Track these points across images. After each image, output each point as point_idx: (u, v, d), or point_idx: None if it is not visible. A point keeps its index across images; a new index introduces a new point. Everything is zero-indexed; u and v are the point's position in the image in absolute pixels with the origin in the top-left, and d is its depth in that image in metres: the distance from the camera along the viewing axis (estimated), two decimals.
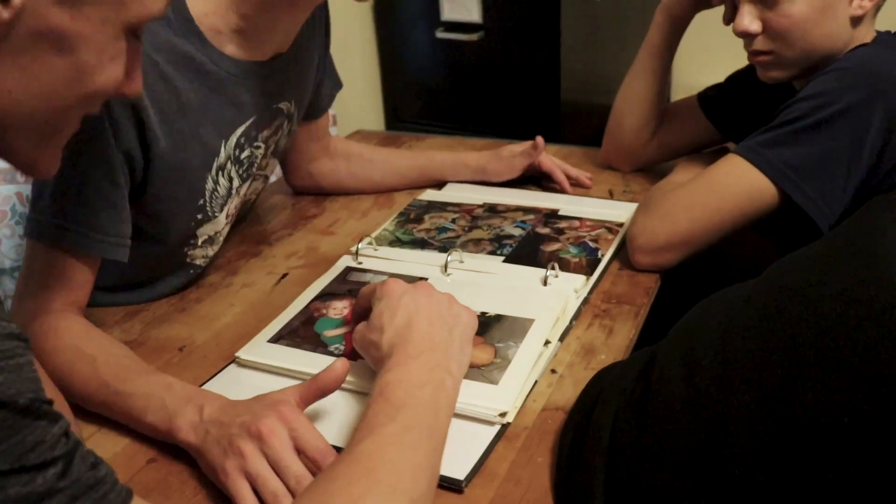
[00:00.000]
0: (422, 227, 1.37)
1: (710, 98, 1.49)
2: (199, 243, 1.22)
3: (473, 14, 2.06)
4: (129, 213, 1.07)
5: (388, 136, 1.86)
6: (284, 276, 1.28)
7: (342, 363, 0.87)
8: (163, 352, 1.10)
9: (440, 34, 2.10)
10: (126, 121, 1.01)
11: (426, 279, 1.18)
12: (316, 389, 0.87)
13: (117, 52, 0.71)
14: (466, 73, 2.15)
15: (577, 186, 1.52)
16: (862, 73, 1.15)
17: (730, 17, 1.27)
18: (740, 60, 1.33)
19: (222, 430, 0.83)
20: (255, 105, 1.18)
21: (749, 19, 1.22)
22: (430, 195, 1.50)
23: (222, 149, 1.16)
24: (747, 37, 1.24)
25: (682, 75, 2.61)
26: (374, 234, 1.34)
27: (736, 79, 1.47)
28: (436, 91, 2.22)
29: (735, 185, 1.19)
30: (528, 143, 1.50)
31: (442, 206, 1.44)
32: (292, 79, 1.24)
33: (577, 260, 1.24)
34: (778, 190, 1.16)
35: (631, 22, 2.27)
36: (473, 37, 2.08)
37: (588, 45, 2.16)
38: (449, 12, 2.08)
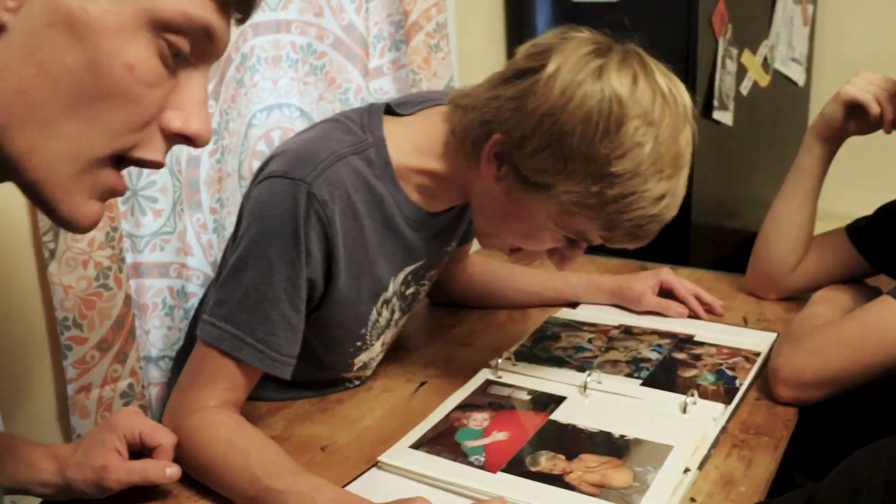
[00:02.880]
0: (559, 346, 1.39)
1: (860, 230, 1.49)
2: (355, 368, 1.27)
3: None
4: (301, 336, 1.12)
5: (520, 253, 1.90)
6: (423, 384, 1.31)
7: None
8: (305, 450, 1.14)
9: None
10: (318, 252, 1.08)
11: (565, 398, 1.20)
12: None
13: (137, 43, 0.62)
14: None
15: (710, 313, 1.52)
16: None
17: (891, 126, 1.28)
18: (882, 185, 1.32)
19: None
20: (427, 250, 1.24)
21: None
22: (566, 314, 1.52)
23: (391, 284, 1.21)
24: None
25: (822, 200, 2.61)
26: (512, 350, 1.37)
27: (888, 210, 1.46)
28: None
29: (892, 329, 1.17)
30: (655, 279, 1.53)
31: (578, 326, 1.46)
32: (461, 225, 1.31)
33: (714, 388, 1.24)
34: None
35: (762, 147, 2.29)
36: None
37: (719, 169, 2.18)
38: None
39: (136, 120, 0.64)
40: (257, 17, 1.57)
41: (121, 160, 0.67)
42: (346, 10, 1.66)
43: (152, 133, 0.67)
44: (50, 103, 0.60)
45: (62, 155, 0.62)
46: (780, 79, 2.37)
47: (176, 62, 0.66)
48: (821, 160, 1.47)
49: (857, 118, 1.42)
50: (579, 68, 1.00)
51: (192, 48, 0.66)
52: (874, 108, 1.38)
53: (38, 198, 0.64)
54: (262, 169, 1.14)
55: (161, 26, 0.63)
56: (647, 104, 0.99)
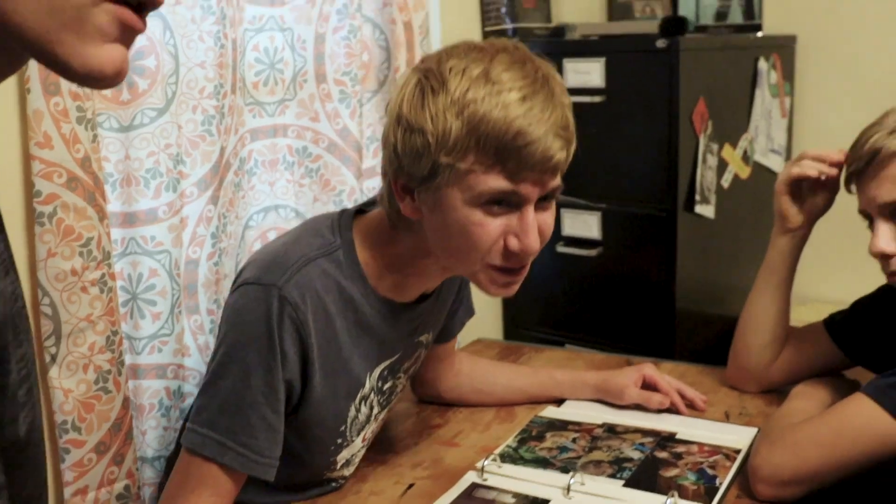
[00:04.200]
0: (543, 446, 1.43)
1: (837, 323, 1.53)
2: (338, 466, 1.31)
3: (593, 231, 2.18)
4: (282, 436, 1.16)
5: (508, 347, 1.95)
6: (411, 486, 1.34)
7: None
8: None
9: (560, 248, 2.22)
10: (293, 354, 1.13)
11: (549, 501, 1.24)
12: None
13: None
14: (584, 286, 2.24)
15: (693, 408, 1.56)
16: None
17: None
18: (860, 268, 1.36)
19: None
20: (400, 341, 1.28)
21: (885, 240, 1.28)
22: (550, 412, 1.56)
23: (367, 381, 1.26)
24: (884, 258, 1.30)
25: (800, 287, 2.67)
26: (497, 451, 1.40)
27: (863, 304, 1.51)
28: (554, 302, 2.31)
29: (865, 427, 1.20)
30: (638, 374, 1.57)
31: (563, 425, 1.50)
32: (434, 314, 1.36)
33: (695, 487, 1.27)
34: None
35: (744, 236, 2.35)
36: (592, 252, 2.19)
37: (702, 260, 2.24)
38: (569, 228, 2.21)
39: None
40: (255, 122, 1.65)
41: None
42: (342, 116, 1.74)
43: None
44: None
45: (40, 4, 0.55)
46: (761, 170, 2.45)
47: None
48: (786, 255, 1.53)
49: (807, 200, 1.48)
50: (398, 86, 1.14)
51: None
52: (811, 172, 1.44)
53: (48, 61, 0.57)
54: (237, 277, 1.20)
55: None
56: (456, 56, 1.08)
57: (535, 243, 1.10)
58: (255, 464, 1.13)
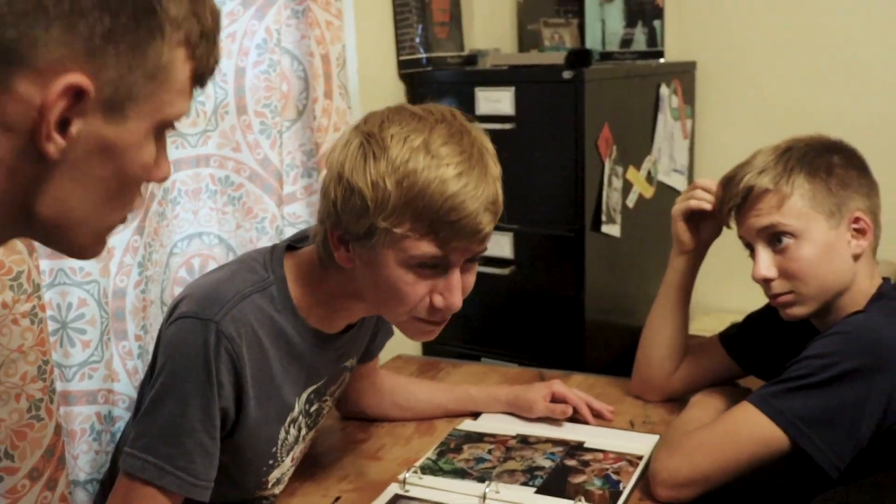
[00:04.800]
0: (461, 457, 1.52)
1: (731, 337, 1.66)
2: (269, 486, 1.38)
3: (506, 250, 2.29)
4: (217, 460, 1.23)
5: (427, 362, 2.04)
6: (337, 499, 1.42)
7: None
8: None
9: None
10: (228, 384, 1.20)
11: None
12: None
13: (150, 146, 0.81)
14: (498, 302, 2.35)
15: (600, 418, 1.66)
16: (861, 340, 1.32)
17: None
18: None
19: None
20: (327, 368, 1.37)
21: (765, 266, 1.41)
22: (467, 425, 1.66)
23: (296, 405, 1.33)
24: (766, 283, 1.42)
25: (701, 298, 2.81)
26: (418, 464, 1.49)
27: (754, 318, 1.64)
28: (470, 318, 2.40)
29: (750, 432, 1.33)
30: (547, 390, 1.67)
31: (479, 437, 1.60)
32: (359, 341, 1.45)
33: (601, 492, 1.38)
34: (789, 438, 1.30)
35: (649, 251, 2.48)
36: (505, 270, 2.29)
37: (609, 275, 2.36)
38: None
39: (138, 191, 0.85)
40: (178, 153, 1.71)
41: None
42: (262, 146, 1.81)
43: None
44: (88, 206, 0.80)
45: (94, 233, 0.84)
46: (664, 189, 2.59)
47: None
48: (683, 273, 1.65)
49: (701, 226, 1.61)
50: (336, 148, 1.23)
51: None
52: (705, 205, 1.57)
53: (69, 253, 0.86)
54: (173, 309, 1.26)
55: (163, 126, 0.82)
56: (397, 128, 1.17)
57: (458, 302, 1.21)
58: (192, 486, 1.20)
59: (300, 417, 1.35)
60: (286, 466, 1.38)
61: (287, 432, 1.33)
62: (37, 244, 1.36)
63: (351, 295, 1.29)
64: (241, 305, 1.22)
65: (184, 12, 0.79)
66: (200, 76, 0.84)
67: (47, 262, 1.46)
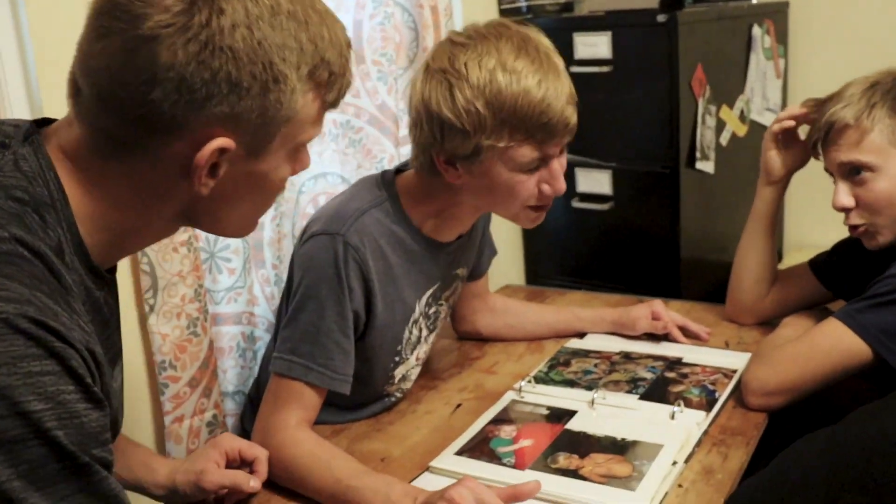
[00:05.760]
0: (570, 370, 1.67)
1: (820, 263, 1.76)
2: (396, 381, 1.55)
3: (604, 187, 2.40)
4: (354, 357, 1.41)
5: (534, 291, 2.20)
6: (459, 406, 1.58)
7: (536, 485, 1.17)
8: (367, 461, 1.38)
9: (575, 204, 2.44)
10: (358, 288, 1.38)
11: (577, 411, 1.49)
12: (510, 494, 1.16)
13: (288, 164, 0.97)
14: (598, 237, 2.47)
15: (697, 339, 1.79)
16: None
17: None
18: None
19: (430, 499, 1.16)
20: (441, 273, 1.53)
21: (843, 196, 1.51)
22: (574, 343, 1.81)
23: (417, 306, 1.50)
24: (845, 211, 1.52)
25: (793, 234, 2.90)
26: (532, 374, 1.65)
27: (842, 245, 1.73)
28: (571, 252, 2.54)
29: (835, 345, 1.44)
30: (648, 309, 1.80)
31: (585, 353, 1.75)
32: (467, 252, 1.61)
33: (698, 399, 1.51)
34: (872, 350, 1.41)
35: (742, 188, 2.55)
36: (604, 206, 2.41)
37: (703, 210, 2.46)
38: (583, 185, 2.43)
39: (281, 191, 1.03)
40: None
41: None
42: (380, 92, 1.96)
43: None
44: (235, 217, 0.99)
45: (244, 229, 1.03)
46: (757, 127, 2.66)
47: None
48: (769, 203, 1.75)
49: (788, 154, 1.70)
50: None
51: None
52: (790, 123, 1.66)
53: (212, 231, 1.05)
54: (304, 231, 1.45)
55: (299, 147, 0.97)
56: (475, 45, 1.32)
57: (563, 186, 1.40)
58: (332, 380, 1.38)
59: (420, 319, 1.52)
60: (411, 364, 1.56)
61: (410, 332, 1.51)
62: None
63: (458, 204, 1.45)
64: (363, 219, 1.39)
65: (310, 65, 0.91)
66: (333, 103, 0.98)
67: None
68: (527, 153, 1.33)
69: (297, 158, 0.99)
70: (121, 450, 1.26)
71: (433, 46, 1.45)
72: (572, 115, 1.34)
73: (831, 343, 1.45)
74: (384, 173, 1.50)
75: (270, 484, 1.34)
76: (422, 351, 1.58)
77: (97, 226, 0.91)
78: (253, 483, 1.28)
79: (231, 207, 0.96)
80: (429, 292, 1.52)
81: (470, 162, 1.35)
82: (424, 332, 1.56)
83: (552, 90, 1.30)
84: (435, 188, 1.44)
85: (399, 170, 1.51)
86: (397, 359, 1.52)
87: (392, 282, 1.44)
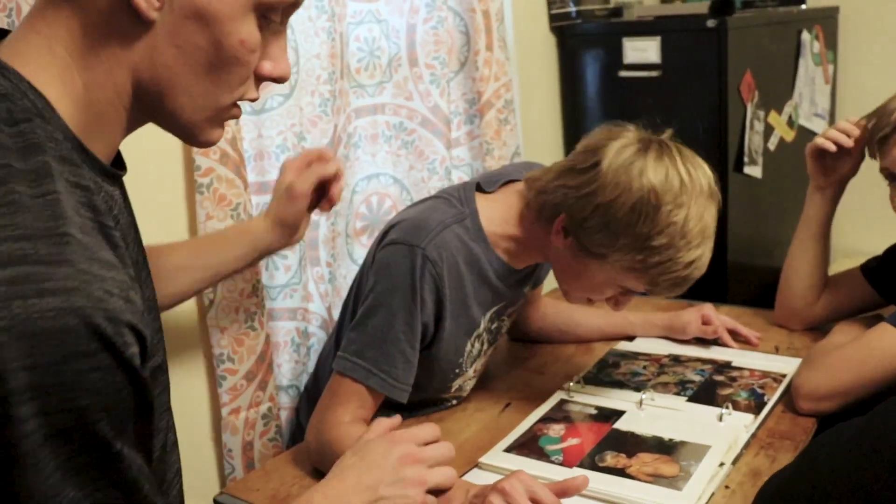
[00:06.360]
0: (619, 372, 1.69)
1: (872, 268, 1.76)
2: (452, 391, 1.58)
3: None
4: (416, 367, 1.44)
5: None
6: (508, 404, 1.61)
7: (584, 480, 1.19)
8: None
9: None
10: (430, 302, 1.41)
11: (625, 412, 1.51)
12: (559, 489, 1.19)
13: (249, 23, 0.82)
14: None
15: (748, 344, 1.80)
16: None
17: None
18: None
19: (482, 491, 1.18)
20: (510, 294, 1.55)
21: None
22: (623, 346, 1.83)
23: (482, 322, 1.53)
24: None
25: (842, 240, 2.88)
26: (581, 374, 1.67)
27: (894, 250, 1.73)
28: None
29: (887, 348, 1.44)
30: (699, 313, 1.81)
31: (634, 356, 1.77)
32: (535, 275, 1.63)
33: (747, 402, 1.53)
34: None
35: (789, 193, 2.56)
36: None
37: (751, 216, 2.47)
38: None
39: (245, 75, 0.86)
40: (358, 102, 1.92)
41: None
42: (432, 94, 2.00)
43: (252, 79, 0.88)
44: (189, 74, 0.83)
45: (200, 107, 0.85)
46: (805, 133, 2.66)
47: (268, 26, 0.86)
48: (820, 208, 1.75)
49: (835, 165, 1.70)
50: (625, 167, 1.31)
51: (281, 17, 0.87)
52: (830, 146, 1.66)
53: (182, 134, 0.88)
54: (382, 237, 1.47)
55: (264, 8, 0.83)
56: (676, 191, 1.30)
57: (618, 311, 1.53)
58: (393, 388, 1.41)
59: (484, 333, 1.55)
60: (469, 376, 1.59)
61: (472, 345, 1.53)
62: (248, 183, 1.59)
63: (540, 249, 1.48)
64: (444, 234, 1.41)
65: None
66: None
67: (256, 198, 1.69)
68: (634, 286, 1.39)
69: (274, 42, 0.87)
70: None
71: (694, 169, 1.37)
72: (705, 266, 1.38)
73: (884, 347, 1.45)
74: (465, 186, 1.52)
75: (319, 475, 1.37)
76: (480, 363, 1.61)
77: (77, 106, 0.81)
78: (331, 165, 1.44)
79: (176, 52, 0.81)
80: (494, 309, 1.54)
81: (584, 250, 1.38)
82: (485, 346, 1.59)
83: (701, 264, 1.35)
84: (530, 226, 1.46)
85: (479, 186, 1.52)
86: (457, 370, 1.55)
87: (463, 297, 1.46)
